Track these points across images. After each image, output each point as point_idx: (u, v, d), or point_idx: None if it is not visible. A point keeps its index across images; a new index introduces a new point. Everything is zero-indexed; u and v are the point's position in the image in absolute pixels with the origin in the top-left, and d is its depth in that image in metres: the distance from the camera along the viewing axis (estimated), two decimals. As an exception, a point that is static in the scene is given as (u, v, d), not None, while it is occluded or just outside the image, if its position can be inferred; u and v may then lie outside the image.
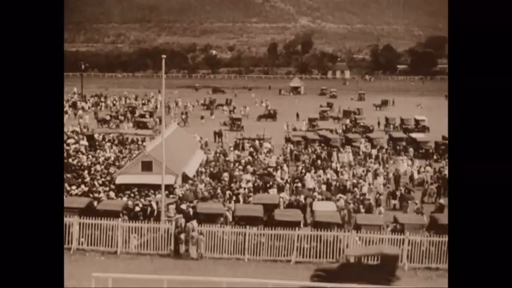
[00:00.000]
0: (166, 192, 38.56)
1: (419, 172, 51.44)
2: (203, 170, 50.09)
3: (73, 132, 66.21)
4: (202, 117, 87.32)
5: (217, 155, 57.31)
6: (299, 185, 44.81)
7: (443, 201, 41.13)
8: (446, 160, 56.53)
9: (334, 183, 45.98)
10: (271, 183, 44.35)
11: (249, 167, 50.83)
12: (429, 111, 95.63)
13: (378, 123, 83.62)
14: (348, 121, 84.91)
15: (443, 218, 34.45)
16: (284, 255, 31.76)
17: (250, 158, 55.73)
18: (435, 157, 58.96)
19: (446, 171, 50.66)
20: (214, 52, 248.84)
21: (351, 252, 29.72)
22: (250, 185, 44.14)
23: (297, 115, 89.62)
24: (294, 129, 76.31)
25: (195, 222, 32.61)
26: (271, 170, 49.95)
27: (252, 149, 60.15)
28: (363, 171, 50.59)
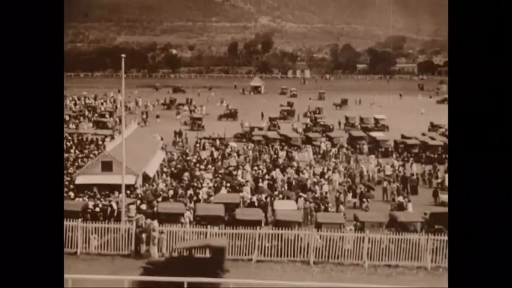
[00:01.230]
0: (127, 192, 38.35)
1: (379, 171, 52.00)
2: (164, 169, 49.89)
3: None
4: (157, 116, 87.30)
5: (178, 154, 57.21)
6: (260, 184, 44.99)
7: (402, 199, 41.73)
8: (404, 159, 57.34)
9: (294, 182, 46.18)
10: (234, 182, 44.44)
11: (210, 166, 50.83)
12: (388, 110, 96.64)
13: (339, 123, 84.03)
14: (308, 120, 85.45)
15: (402, 216, 34.97)
16: (245, 254, 31.80)
17: (216, 157, 55.79)
18: (394, 156, 59.58)
19: (405, 170, 51.36)
20: (174, 51, 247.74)
21: (180, 245, 29.81)
22: (211, 184, 44.12)
23: (262, 115, 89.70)
24: (252, 129, 76.58)
25: (155, 222, 32.50)
26: (232, 169, 50.01)
27: (213, 149, 60.16)
28: (324, 170, 50.91)
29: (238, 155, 57.38)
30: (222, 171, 49.29)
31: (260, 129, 73.76)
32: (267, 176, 47.31)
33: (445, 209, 39.71)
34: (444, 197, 44.03)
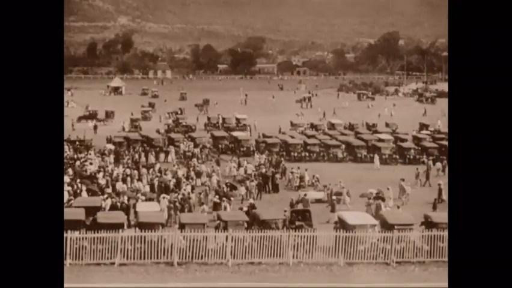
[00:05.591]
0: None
1: (238, 169, 52.88)
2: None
3: None
4: None
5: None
6: (123, 186, 44.51)
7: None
8: (267, 157, 58.31)
9: (157, 183, 45.93)
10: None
11: (69, 170, 49.50)
12: (250, 110, 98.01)
13: (205, 124, 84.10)
14: (171, 121, 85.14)
15: (264, 214, 35.59)
16: (108, 258, 31.27)
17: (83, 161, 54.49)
18: (256, 155, 60.39)
19: (264, 169, 52.30)
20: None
21: None
22: (70, 188, 43.05)
23: (132, 114, 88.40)
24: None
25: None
26: (93, 172, 49.07)
27: (73, 152, 58.77)
28: (186, 170, 51.03)
29: (103, 158, 56.50)
30: (83, 174, 48.30)
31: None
32: (128, 178, 46.80)
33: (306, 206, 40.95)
34: (309, 193, 45.15)
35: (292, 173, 51.90)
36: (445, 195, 43.45)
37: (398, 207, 40.51)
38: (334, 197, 43.29)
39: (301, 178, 50.12)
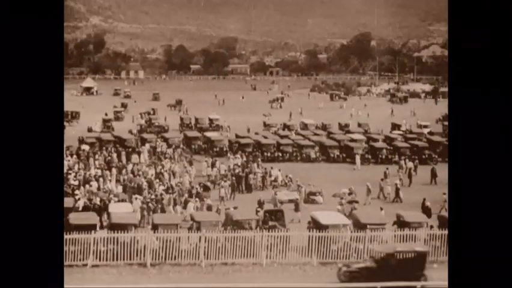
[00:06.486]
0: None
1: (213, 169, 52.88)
2: None
3: None
4: None
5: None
6: (94, 187, 44.23)
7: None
8: (241, 157, 58.27)
9: (130, 184, 45.73)
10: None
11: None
12: (224, 110, 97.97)
13: (180, 125, 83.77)
14: (143, 121, 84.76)
15: (238, 214, 35.61)
16: (80, 260, 31.06)
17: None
18: (229, 155, 60.31)
19: (238, 169, 52.28)
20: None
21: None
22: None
23: (106, 114, 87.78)
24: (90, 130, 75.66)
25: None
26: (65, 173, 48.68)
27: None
28: (159, 170, 50.87)
29: (79, 157, 56.14)
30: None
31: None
32: (101, 179, 46.55)
33: (279, 206, 41.10)
34: (282, 193, 45.32)
35: (266, 173, 51.86)
36: (402, 194, 44.69)
37: (381, 208, 40.54)
38: (298, 197, 43.66)
39: (265, 178, 50.24)
